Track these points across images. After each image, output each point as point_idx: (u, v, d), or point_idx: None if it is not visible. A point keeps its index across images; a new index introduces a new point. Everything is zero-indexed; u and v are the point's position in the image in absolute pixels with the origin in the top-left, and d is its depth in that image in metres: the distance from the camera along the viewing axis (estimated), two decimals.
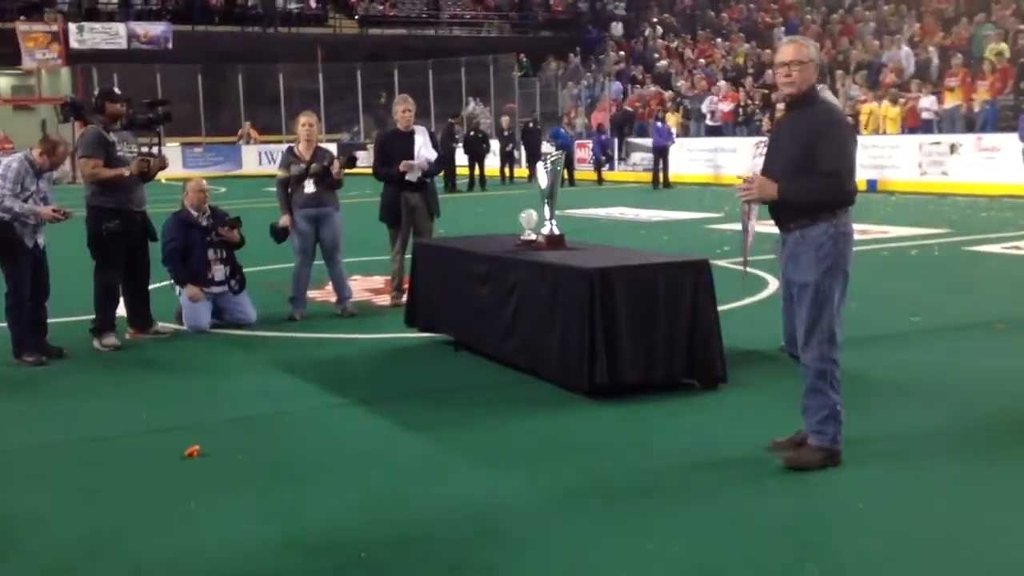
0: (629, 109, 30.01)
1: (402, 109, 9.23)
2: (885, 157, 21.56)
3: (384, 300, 9.69)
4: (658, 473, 4.77)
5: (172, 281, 8.55)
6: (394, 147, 9.18)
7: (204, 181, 8.87)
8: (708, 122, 27.77)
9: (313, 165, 8.77)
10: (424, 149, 9.12)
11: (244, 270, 8.77)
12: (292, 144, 9.19)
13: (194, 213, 8.53)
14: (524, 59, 37.33)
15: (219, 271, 8.51)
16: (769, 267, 10.28)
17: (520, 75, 35.89)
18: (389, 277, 9.60)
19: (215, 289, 8.48)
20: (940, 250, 12.31)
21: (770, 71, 27.04)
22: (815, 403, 4.75)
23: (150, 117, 8.15)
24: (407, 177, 9.03)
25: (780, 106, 23.11)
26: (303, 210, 8.84)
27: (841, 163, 4.60)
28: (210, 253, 8.50)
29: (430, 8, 43.64)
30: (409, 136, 9.16)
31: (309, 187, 8.79)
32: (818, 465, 4.68)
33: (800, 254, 4.73)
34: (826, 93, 6.80)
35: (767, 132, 23.64)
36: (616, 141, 29.17)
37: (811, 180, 4.62)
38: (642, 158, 27.97)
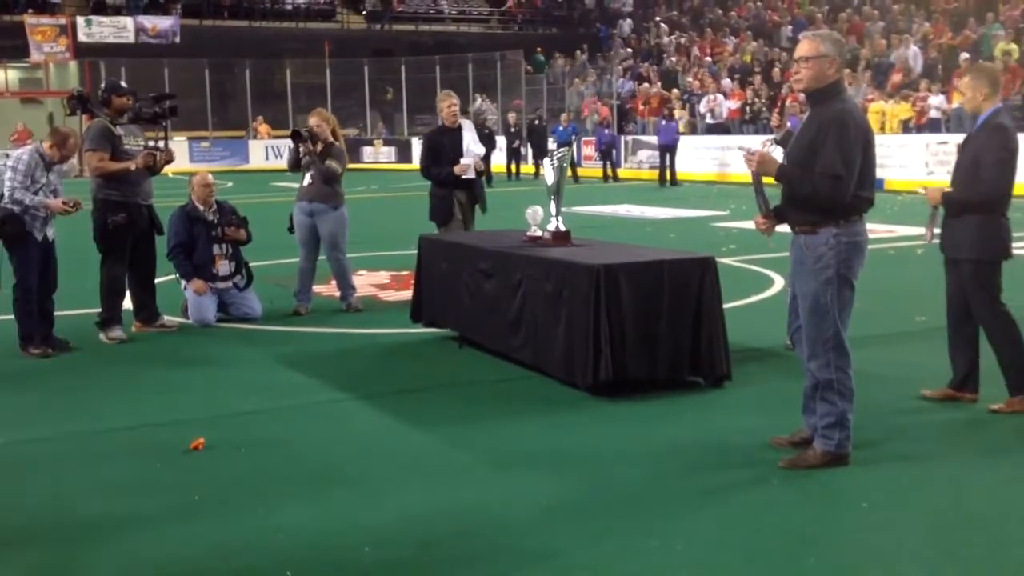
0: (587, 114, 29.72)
1: (447, 104, 8.95)
2: (891, 156, 21.53)
3: (389, 296, 9.70)
4: (662, 470, 4.78)
5: (177, 275, 8.56)
6: (443, 144, 8.91)
7: (210, 176, 8.86)
8: (708, 120, 27.76)
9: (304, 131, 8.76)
10: (473, 144, 8.90)
11: (250, 265, 8.79)
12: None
13: (200, 207, 8.54)
14: (542, 55, 37.40)
15: (224, 266, 8.52)
16: (772, 265, 10.27)
17: (534, 71, 35.94)
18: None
19: (220, 284, 8.50)
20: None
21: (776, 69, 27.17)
22: (822, 408, 4.75)
23: (156, 111, 8.15)
24: (457, 173, 8.74)
25: (788, 102, 23.08)
26: (300, 203, 8.87)
27: (839, 166, 4.50)
28: (215, 248, 8.51)
29: (437, 4, 43.66)
30: (457, 132, 8.92)
31: (306, 180, 8.82)
32: (816, 467, 4.69)
33: (802, 261, 4.75)
34: None
35: (775, 129, 23.71)
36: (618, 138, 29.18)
37: (811, 175, 4.60)
38: (648, 156, 27.97)
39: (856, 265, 4.67)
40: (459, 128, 8.95)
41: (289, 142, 9.13)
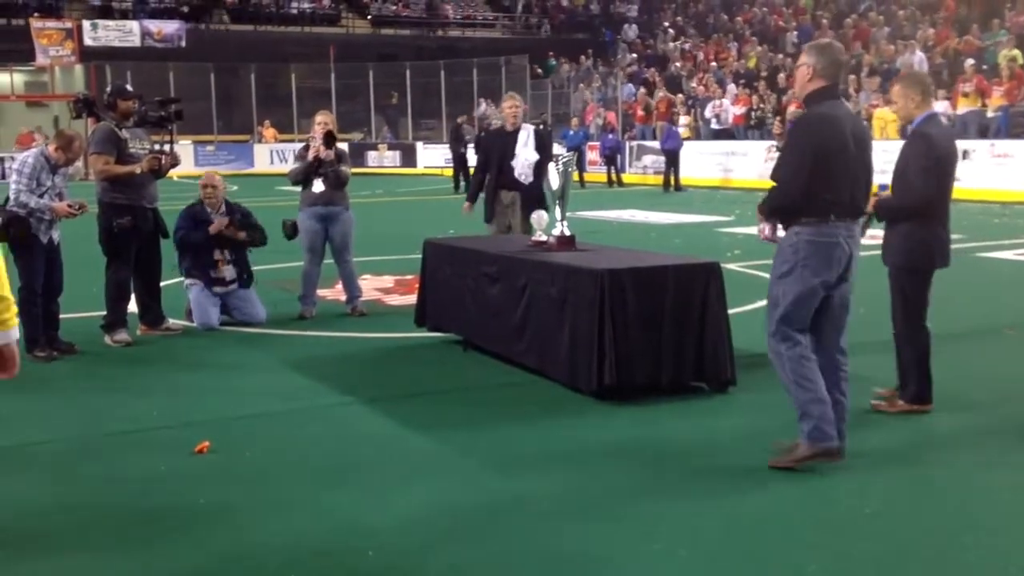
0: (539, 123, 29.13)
1: (508, 106, 8.84)
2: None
3: (394, 300, 9.71)
4: (666, 475, 4.78)
5: (183, 278, 8.55)
6: (493, 147, 8.88)
7: (217, 176, 8.80)
8: (713, 126, 27.79)
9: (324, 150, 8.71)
10: (524, 149, 8.64)
11: (254, 268, 8.76)
12: (308, 142, 9.13)
13: (208, 209, 8.50)
14: (552, 59, 37.51)
15: (228, 271, 8.48)
16: None
17: (544, 75, 36.04)
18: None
19: (218, 288, 8.42)
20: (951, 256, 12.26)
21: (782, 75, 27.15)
22: (791, 402, 4.81)
23: (161, 115, 8.17)
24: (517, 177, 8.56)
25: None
26: (311, 208, 8.83)
27: (781, 171, 4.73)
28: (216, 253, 8.47)
29: (442, 9, 43.72)
30: (512, 135, 8.71)
31: (318, 186, 8.78)
32: (799, 462, 4.72)
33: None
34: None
35: (777, 136, 23.69)
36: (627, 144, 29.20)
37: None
38: (653, 161, 27.98)
39: (816, 264, 4.70)
40: (516, 131, 8.73)
41: (294, 150, 9.11)
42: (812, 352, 4.80)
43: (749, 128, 26.89)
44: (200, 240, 8.42)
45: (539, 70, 36.54)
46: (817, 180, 4.63)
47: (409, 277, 10.38)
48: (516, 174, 8.61)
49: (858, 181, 4.76)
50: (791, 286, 4.72)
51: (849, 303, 4.89)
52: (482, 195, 8.98)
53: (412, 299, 8.49)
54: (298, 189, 9.07)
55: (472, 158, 26.03)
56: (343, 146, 9.49)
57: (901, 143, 5.81)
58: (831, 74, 4.80)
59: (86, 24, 36.38)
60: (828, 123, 4.75)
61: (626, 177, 28.12)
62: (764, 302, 8.96)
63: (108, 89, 8.34)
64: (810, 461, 4.71)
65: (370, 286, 10.30)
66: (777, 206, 4.80)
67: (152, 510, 4.43)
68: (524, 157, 8.62)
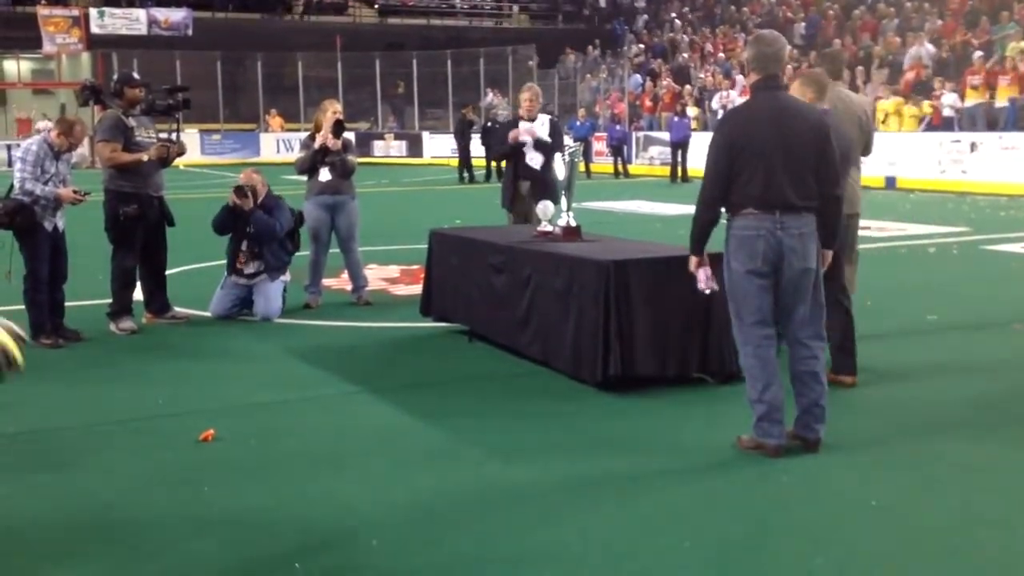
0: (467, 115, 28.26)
1: (526, 97, 8.98)
2: (904, 154, 21.45)
3: (400, 290, 9.70)
4: (670, 467, 4.77)
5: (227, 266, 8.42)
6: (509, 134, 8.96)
7: (255, 175, 8.53)
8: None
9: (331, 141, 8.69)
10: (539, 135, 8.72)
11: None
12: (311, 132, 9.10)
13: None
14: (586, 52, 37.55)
15: (250, 266, 8.33)
16: None
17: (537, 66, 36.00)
18: None
19: (241, 280, 8.34)
20: (958, 249, 12.26)
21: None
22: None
23: (169, 103, 8.16)
24: (511, 141, 8.67)
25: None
26: (318, 197, 8.82)
27: (704, 172, 4.94)
28: (243, 245, 8.35)
29: None
30: (529, 123, 8.81)
31: (324, 174, 8.78)
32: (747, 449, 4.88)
33: None
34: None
35: None
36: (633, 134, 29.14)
37: None
38: (660, 152, 27.93)
39: (742, 256, 4.77)
40: (533, 120, 8.80)
41: (300, 139, 9.07)
42: (777, 343, 4.86)
43: None
44: (218, 220, 8.39)
45: (530, 62, 36.35)
46: (733, 175, 4.77)
47: (415, 267, 10.39)
48: (528, 159, 8.61)
49: (774, 172, 4.70)
50: (727, 278, 4.87)
51: (803, 292, 4.80)
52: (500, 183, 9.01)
53: (418, 289, 8.49)
54: (304, 178, 9.06)
55: (476, 149, 26.01)
56: (349, 135, 9.47)
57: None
58: (761, 66, 4.87)
59: (93, 12, 36.38)
60: (734, 118, 4.96)
61: (633, 168, 28.06)
62: None
63: (115, 77, 8.33)
64: (751, 451, 4.83)
65: (376, 275, 10.30)
66: (699, 203, 4.89)
67: (156, 498, 4.43)
68: (537, 136, 8.63)
